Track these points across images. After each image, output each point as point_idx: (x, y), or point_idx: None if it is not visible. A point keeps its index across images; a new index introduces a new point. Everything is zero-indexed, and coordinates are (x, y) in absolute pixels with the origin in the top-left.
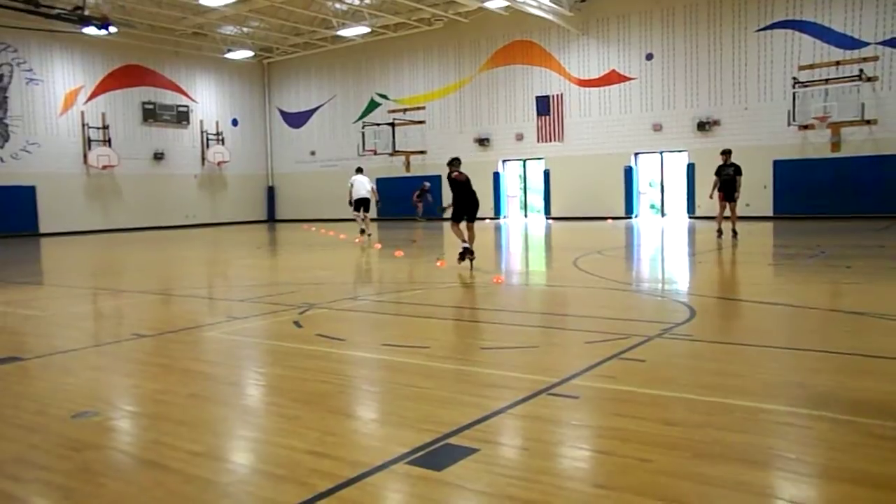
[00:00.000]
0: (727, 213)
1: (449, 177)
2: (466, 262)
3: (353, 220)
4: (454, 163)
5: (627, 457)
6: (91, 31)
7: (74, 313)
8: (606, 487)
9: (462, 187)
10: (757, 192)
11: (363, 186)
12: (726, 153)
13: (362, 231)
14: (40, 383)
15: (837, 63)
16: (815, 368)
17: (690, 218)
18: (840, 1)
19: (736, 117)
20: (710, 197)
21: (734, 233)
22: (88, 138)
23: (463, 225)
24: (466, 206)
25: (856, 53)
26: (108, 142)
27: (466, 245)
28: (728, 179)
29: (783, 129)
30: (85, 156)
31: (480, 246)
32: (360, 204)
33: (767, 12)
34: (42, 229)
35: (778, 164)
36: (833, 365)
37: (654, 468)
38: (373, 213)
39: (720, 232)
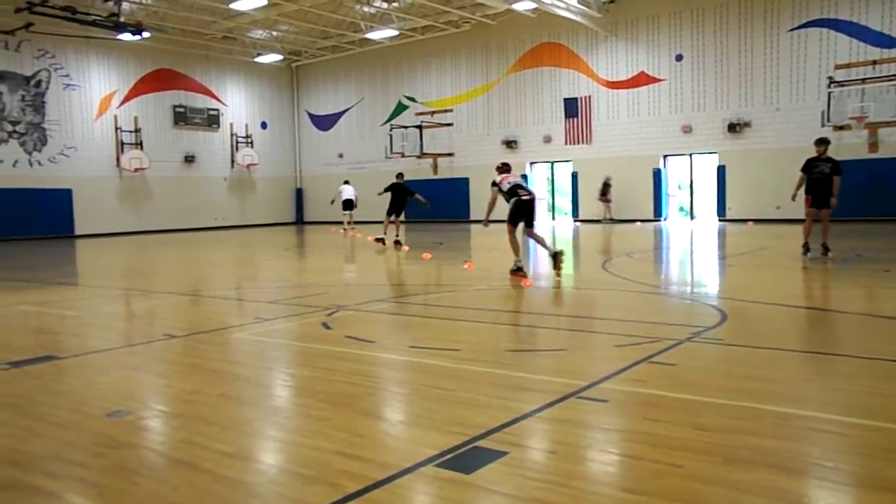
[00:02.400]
0: (801, 220)
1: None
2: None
3: (381, 222)
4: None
5: (658, 462)
6: (126, 36)
7: (108, 314)
8: (636, 492)
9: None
10: (789, 195)
11: (349, 193)
12: (822, 143)
13: (347, 226)
14: (75, 382)
15: (874, 62)
16: (851, 374)
17: (720, 221)
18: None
19: (767, 118)
20: (793, 198)
21: (825, 249)
22: (121, 142)
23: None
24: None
25: (893, 52)
26: (139, 145)
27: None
28: (821, 179)
29: (816, 130)
30: (118, 159)
31: (508, 249)
32: (347, 206)
33: (801, 11)
34: (77, 231)
35: None
36: (870, 371)
37: (686, 474)
38: (404, 215)
39: (807, 248)
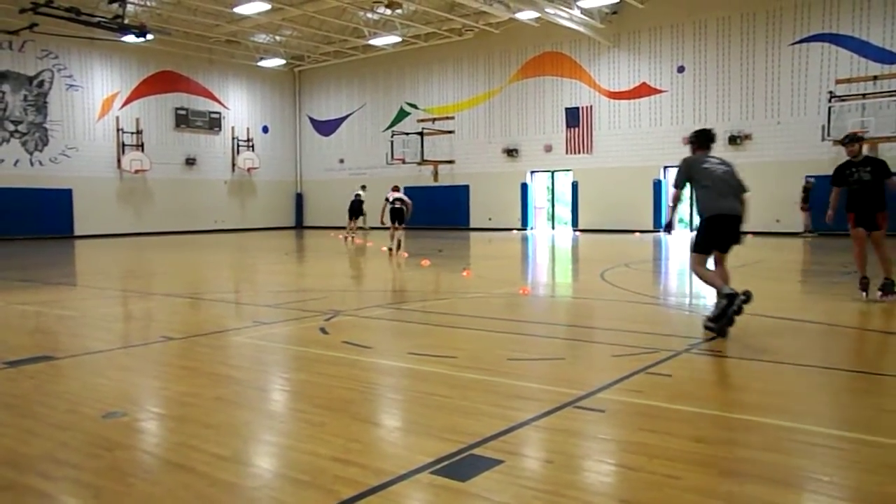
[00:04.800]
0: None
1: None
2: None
3: (385, 228)
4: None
5: (654, 473)
6: (129, 38)
7: (106, 314)
8: (632, 503)
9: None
10: (789, 208)
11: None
12: (853, 142)
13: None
14: (72, 382)
15: (875, 78)
16: (849, 388)
17: None
18: (878, 15)
19: (768, 132)
20: (829, 219)
21: (889, 286)
22: (122, 143)
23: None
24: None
25: (895, 68)
26: (141, 146)
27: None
28: (861, 188)
29: (817, 144)
30: (119, 160)
31: (508, 257)
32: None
33: (803, 25)
34: (77, 231)
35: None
36: (868, 386)
37: (682, 485)
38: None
39: (865, 283)
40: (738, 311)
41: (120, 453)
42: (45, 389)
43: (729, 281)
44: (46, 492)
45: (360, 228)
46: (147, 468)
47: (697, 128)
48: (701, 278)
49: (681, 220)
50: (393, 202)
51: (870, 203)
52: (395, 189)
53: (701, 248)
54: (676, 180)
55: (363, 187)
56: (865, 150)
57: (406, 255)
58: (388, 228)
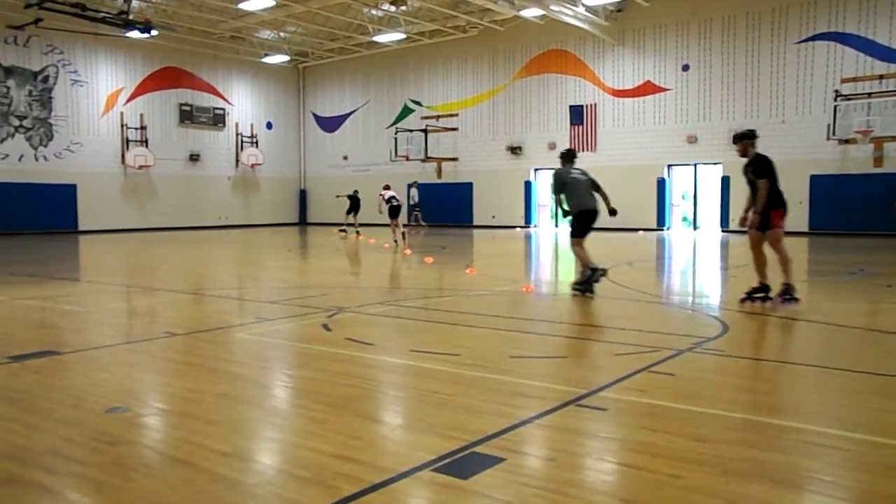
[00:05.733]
0: None
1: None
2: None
3: (388, 225)
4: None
5: (656, 472)
6: (134, 34)
7: (110, 310)
8: (634, 502)
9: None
10: (792, 207)
11: (586, 192)
12: (735, 141)
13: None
14: (75, 377)
15: (881, 77)
16: (852, 389)
17: (723, 231)
18: (885, 14)
19: (772, 130)
20: (742, 221)
21: (786, 290)
22: (127, 139)
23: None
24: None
25: None
26: (145, 142)
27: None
28: (752, 190)
29: (821, 144)
30: (123, 156)
31: (511, 254)
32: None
33: (809, 24)
34: (81, 227)
35: (815, 179)
36: (871, 386)
37: (684, 484)
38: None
39: (760, 290)
40: (597, 280)
41: (123, 448)
42: (48, 384)
43: (586, 264)
44: (49, 486)
45: (350, 225)
46: (149, 464)
47: (701, 125)
48: (577, 255)
49: (684, 219)
50: (389, 200)
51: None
52: (387, 188)
53: (578, 234)
54: (554, 188)
55: (355, 191)
56: (871, 148)
57: (409, 251)
58: (388, 225)
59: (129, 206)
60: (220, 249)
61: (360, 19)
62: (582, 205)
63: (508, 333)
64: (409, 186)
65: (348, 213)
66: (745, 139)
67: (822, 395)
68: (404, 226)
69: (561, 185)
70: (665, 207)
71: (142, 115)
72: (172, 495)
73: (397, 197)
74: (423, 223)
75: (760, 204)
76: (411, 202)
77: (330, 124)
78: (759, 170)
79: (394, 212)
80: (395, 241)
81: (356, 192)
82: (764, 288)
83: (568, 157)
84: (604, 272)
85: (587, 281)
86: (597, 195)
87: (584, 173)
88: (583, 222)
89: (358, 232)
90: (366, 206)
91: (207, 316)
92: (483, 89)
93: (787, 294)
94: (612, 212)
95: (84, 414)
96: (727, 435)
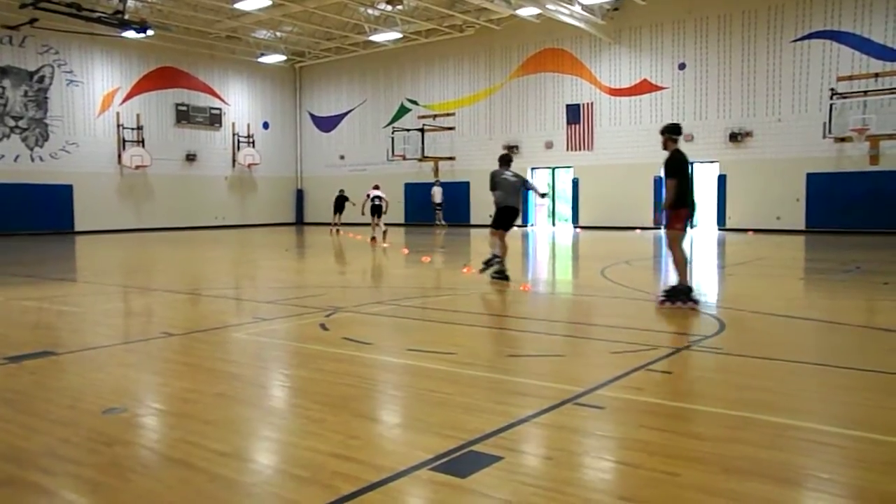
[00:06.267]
0: None
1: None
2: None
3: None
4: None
5: (654, 470)
6: (130, 34)
7: (106, 310)
8: (632, 500)
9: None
10: (789, 205)
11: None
12: (662, 133)
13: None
14: (72, 378)
15: (876, 75)
16: (849, 386)
17: (720, 230)
18: (880, 12)
19: (769, 129)
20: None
21: (671, 293)
22: (123, 139)
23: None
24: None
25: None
26: (141, 142)
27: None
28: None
29: (818, 142)
30: (119, 156)
31: (508, 253)
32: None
33: (804, 23)
34: (77, 227)
35: (811, 177)
36: (868, 383)
37: (682, 482)
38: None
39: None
40: (491, 265)
41: (120, 449)
42: (45, 385)
43: (506, 251)
44: (46, 487)
45: (339, 224)
46: (147, 464)
47: (698, 124)
48: (491, 243)
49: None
50: (373, 199)
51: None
52: (376, 187)
53: (496, 226)
54: (491, 186)
55: (341, 191)
56: (867, 146)
57: (406, 251)
58: (368, 224)
59: (125, 206)
60: (216, 249)
61: (357, 19)
62: (505, 202)
63: (506, 332)
64: (433, 185)
65: (336, 212)
66: (665, 133)
67: (819, 393)
68: (385, 224)
69: (494, 183)
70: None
71: (138, 116)
72: (169, 495)
73: (380, 196)
74: (443, 222)
75: (666, 203)
76: (435, 201)
77: (326, 124)
78: (669, 168)
79: (375, 210)
80: (374, 238)
81: (342, 191)
82: (688, 289)
83: (503, 160)
84: (500, 261)
85: (489, 264)
86: (533, 192)
87: (516, 175)
88: (503, 216)
89: (338, 230)
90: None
91: (204, 316)
92: (480, 88)
93: (675, 295)
94: (543, 195)
95: (81, 415)
96: (725, 433)
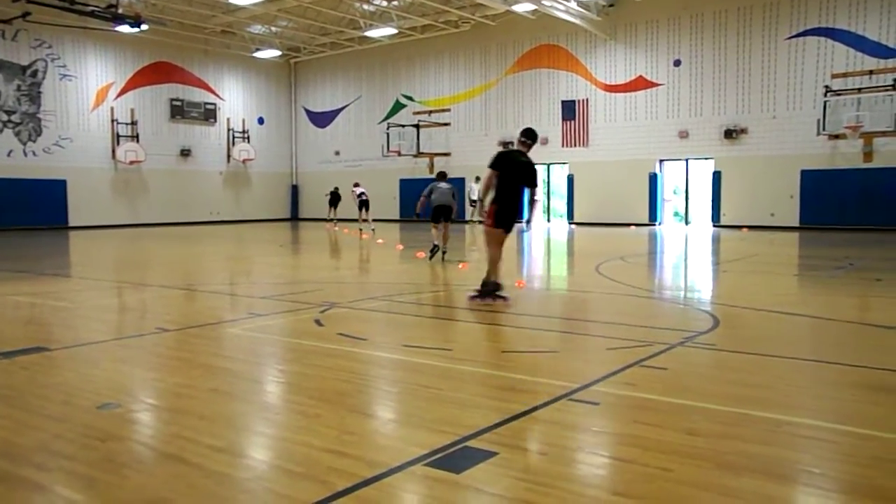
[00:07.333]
0: None
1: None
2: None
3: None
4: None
5: (648, 465)
6: (124, 28)
7: (100, 306)
8: (626, 496)
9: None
10: (783, 202)
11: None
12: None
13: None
14: (66, 374)
15: (871, 72)
16: (842, 382)
17: (715, 226)
18: (875, 9)
19: (763, 125)
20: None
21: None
22: (117, 134)
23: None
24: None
25: (890, 62)
26: (136, 137)
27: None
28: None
29: (812, 139)
30: (113, 151)
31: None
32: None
33: (799, 20)
34: (71, 222)
35: (805, 174)
36: (860, 379)
37: (676, 478)
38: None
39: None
40: (435, 253)
41: (114, 444)
42: (39, 381)
43: (445, 241)
44: (40, 483)
45: (332, 220)
46: (141, 459)
47: (693, 121)
48: (433, 234)
49: (676, 214)
50: (360, 195)
51: None
52: (357, 185)
53: (432, 219)
54: (427, 192)
55: (336, 188)
56: (861, 143)
57: (401, 246)
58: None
59: (119, 201)
60: (211, 245)
61: (352, 14)
62: (438, 202)
63: (501, 328)
64: (475, 181)
65: (331, 207)
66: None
67: (812, 389)
68: (374, 220)
69: (430, 191)
70: (657, 202)
71: (132, 110)
72: (164, 491)
73: (366, 192)
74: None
75: (478, 194)
76: (472, 197)
77: (322, 119)
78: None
79: (363, 205)
80: (361, 230)
81: (337, 188)
82: (495, 286)
83: (440, 176)
84: (437, 248)
85: (434, 252)
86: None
87: (448, 186)
88: (437, 212)
89: (335, 224)
90: (346, 201)
91: (199, 311)
92: (475, 84)
93: (483, 292)
94: (473, 202)
95: (75, 410)
96: (718, 428)
